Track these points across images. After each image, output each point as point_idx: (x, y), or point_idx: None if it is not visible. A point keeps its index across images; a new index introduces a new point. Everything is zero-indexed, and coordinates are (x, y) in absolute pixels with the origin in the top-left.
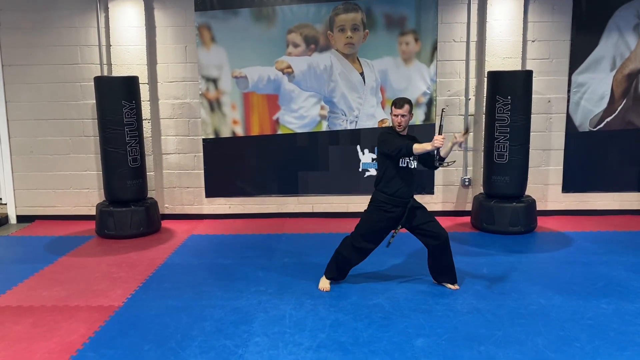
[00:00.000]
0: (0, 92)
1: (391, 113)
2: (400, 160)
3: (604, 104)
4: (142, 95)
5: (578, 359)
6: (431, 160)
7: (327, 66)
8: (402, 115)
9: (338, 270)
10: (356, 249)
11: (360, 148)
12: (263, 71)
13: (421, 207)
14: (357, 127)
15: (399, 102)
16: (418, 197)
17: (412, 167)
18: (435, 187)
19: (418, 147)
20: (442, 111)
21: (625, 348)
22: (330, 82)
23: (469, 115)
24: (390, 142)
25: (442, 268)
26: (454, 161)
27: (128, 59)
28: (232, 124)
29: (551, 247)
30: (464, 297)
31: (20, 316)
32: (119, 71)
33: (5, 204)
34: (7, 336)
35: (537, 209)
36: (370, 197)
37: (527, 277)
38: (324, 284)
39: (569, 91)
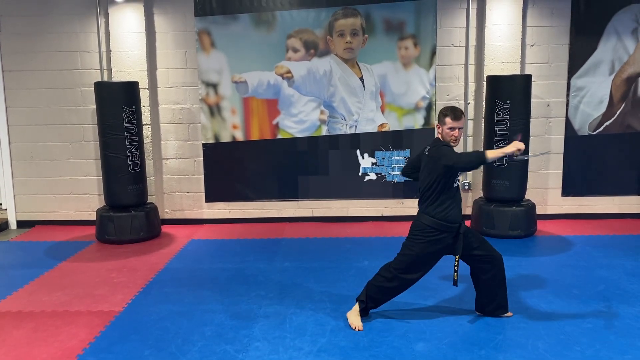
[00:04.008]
0: (1, 97)
1: (442, 125)
2: (455, 179)
3: (603, 108)
4: (142, 101)
5: None
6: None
7: (326, 71)
8: (460, 129)
9: (373, 300)
10: (401, 280)
11: (360, 152)
12: (263, 76)
13: (472, 231)
14: (356, 132)
15: (456, 113)
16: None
17: (458, 184)
18: None
19: (493, 154)
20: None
21: (625, 352)
22: (330, 86)
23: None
24: (456, 155)
25: (496, 298)
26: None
27: (128, 64)
28: (232, 128)
29: (551, 251)
30: (465, 301)
31: (21, 321)
32: (119, 76)
33: (6, 209)
34: (7, 341)
35: (537, 212)
36: (369, 200)
37: (527, 281)
38: (356, 319)
39: (568, 95)
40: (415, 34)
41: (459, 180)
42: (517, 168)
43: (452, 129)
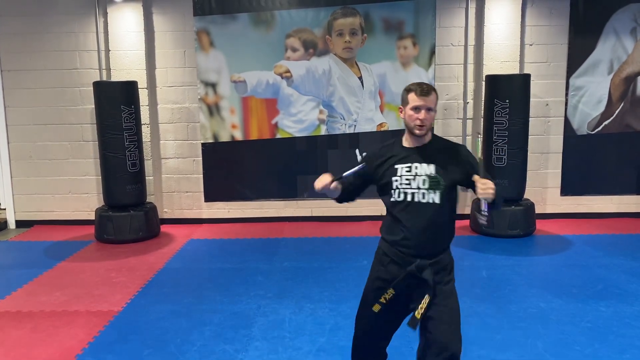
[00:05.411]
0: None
1: (404, 107)
2: (394, 190)
3: (601, 107)
4: (141, 100)
5: None
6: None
7: (325, 70)
8: (428, 109)
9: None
10: (355, 329)
11: (359, 152)
12: (262, 75)
13: (439, 284)
14: (355, 131)
15: (422, 87)
16: None
17: (431, 201)
18: None
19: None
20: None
21: (624, 351)
22: (329, 86)
23: None
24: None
25: None
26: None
27: (127, 63)
28: (231, 128)
29: (550, 250)
30: (463, 301)
31: (20, 321)
32: (118, 76)
33: (5, 209)
34: (6, 341)
35: (536, 212)
36: (368, 200)
37: (526, 280)
38: None
39: (566, 94)
40: (414, 34)
41: (429, 194)
42: (516, 167)
43: (416, 109)
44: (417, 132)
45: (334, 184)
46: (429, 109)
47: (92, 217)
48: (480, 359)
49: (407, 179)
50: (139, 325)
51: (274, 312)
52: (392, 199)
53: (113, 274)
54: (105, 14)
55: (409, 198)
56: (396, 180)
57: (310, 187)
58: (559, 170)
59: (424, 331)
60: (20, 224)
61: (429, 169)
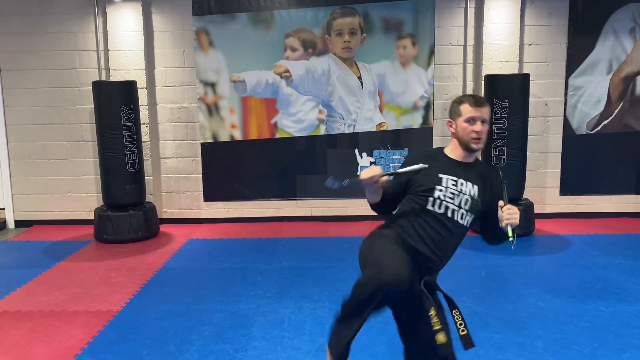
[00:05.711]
0: None
1: (457, 118)
2: (435, 199)
3: (601, 107)
4: (140, 100)
5: None
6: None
7: (325, 70)
8: (484, 122)
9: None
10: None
11: (359, 151)
12: (261, 75)
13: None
14: (355, 131)
15: (477, 98)
16: None
17: (465, 223)
18: None
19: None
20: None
21: (623, 350)
22: (328, 85)
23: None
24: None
25: None
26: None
27: (126, 63)
28: (230, 128)
29: (549, 250)
30: (462, 301)
31: (19, 321)
32: (117, 76)
33: (3, 209)
34: (5, 341)
35: (535, 211)
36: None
37: (525, 280)
38: None
39: (566, 94)
40: (414, 33)
41: (461, 213)
42: (516, 167)
43: (471, 120)
44: (474, 146)
45: (384, 178)
46: (483, 121)
47: (91, 216)
48: (479, 358)
49: (452, 193)
50: (138, 325)
51: (274, 312)
52: (427, 207)
53: (112, 274)
54: (104, 14)
55: (449, 214)
56: (440, 191)
57: (351, 176)
58: (558, 170)
59: (411, 337)
60: (19, 223)
61: (473, 190)
